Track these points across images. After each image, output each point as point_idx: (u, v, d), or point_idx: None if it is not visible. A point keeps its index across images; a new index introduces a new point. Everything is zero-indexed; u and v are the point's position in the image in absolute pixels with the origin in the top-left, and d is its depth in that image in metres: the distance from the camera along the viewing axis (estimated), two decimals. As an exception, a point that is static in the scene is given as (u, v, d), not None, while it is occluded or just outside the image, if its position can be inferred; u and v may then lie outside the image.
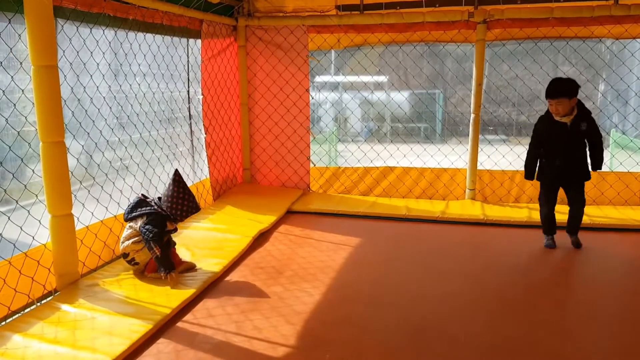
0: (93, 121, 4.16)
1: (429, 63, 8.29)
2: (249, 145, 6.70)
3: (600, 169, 4.60)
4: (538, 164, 4.72)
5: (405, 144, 6.93)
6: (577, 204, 4.69)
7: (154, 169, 4.89)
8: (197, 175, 5.83)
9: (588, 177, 4.63)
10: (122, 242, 3.93)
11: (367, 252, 4.73)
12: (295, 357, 2.98)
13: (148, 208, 3.92)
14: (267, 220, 5.36)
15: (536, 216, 5.50)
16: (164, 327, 3.26)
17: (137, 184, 4.66)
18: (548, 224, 4.81)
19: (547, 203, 4.77)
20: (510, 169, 6.24)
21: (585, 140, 4.52)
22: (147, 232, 3.79)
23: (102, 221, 4.17)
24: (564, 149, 4.52)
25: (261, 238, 5.04)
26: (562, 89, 4.39)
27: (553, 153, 4.59)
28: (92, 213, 4.09)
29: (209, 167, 5.87)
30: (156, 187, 4.86)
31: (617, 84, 7.01)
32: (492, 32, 5.90)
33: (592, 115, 4.49)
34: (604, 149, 4.63)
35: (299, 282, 3.99)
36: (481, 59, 5.91)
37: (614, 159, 7.86)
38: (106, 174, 4.27)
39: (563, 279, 4.13)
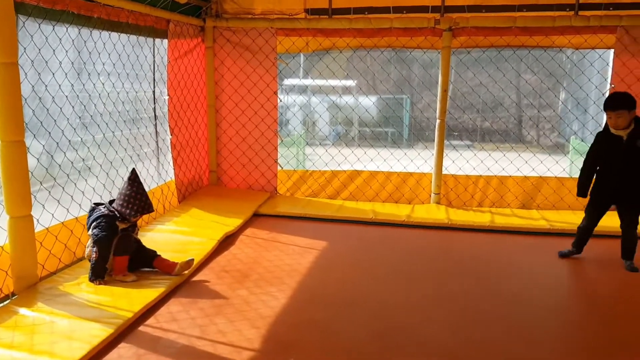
0: (55, 120, 4.06)
1: (396, 68, 8.37)
2: (215, 147, 6.65)
3: None
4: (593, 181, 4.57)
5: (373, 148, 6.99)
6: (628, 226, 4.49)
7: (117, 170, 4.80)
8: (162, 177, 5.75)
9: None
10: (87, 248, 3.94)
11: (333, 256, 4.74)
12: (260, 360, 2.97)
13: (97, 213, 3.92)
14: (233, 223, 5.32)
15: (499, 220, 5.64)
16: (126, 332, 3.20)
17: (99, 185, 4.57)
18: (580, 237, 4.70)
19: (589, 217, 4.63)
20: (474, 174, 6.36)
21: None
22: (93, 236, 3.81)
23: (63, 223, 4.08)
24: (618, 164, 4.38)
25: (227, 241, 4.99)
26: (622, 101, 4.30)
27: (607, 169, 4.46)
28: (53, 215, 3.99)
29: (174, 168, 5.80)
30: (119, 189, 4.78)
31: (577, 92, 7.22)
32: (458, 40, 6.01)
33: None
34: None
35: (264, 286, 3.98)
36: (447, 66, 6.01)
37: (573, 165, 8.09)
38: (67, 175, 4.18)
39: (525, 281, 4.22)
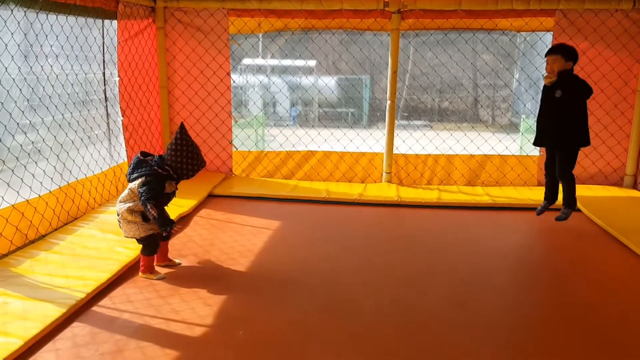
0: (2, 103, 4.02)
1: (347, 50, 8.49)
2: (169, 128, 6.65)
3: (586, 144, 4.65)
4: None
5: (327, 129, 7.11)
6: (558, 173, 4.77)
7: (68, 153, 4.79)
8: (114, 158, 5.73)
9: (569, 146, 4.66)
10: (119, 203, 3.75)
11: (286, 235, 4.87)
12: (210, 335, 3.10)
13: (147, 168, 3.70)
14: (187, 204, 5.37)
15: (445, 197, 5.88)
16: (80, 311, 3.27)
17: (50, 168, 4.56)
18: (545, 186, 4.99)
19: (544, 167, 4.95)
20: (423, 153, 6.58)
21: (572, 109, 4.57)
22: (143, 193, 3.62)
23: (13, 206, 4.07)
24: (546, 111, 4.73)
25: (181, 222, 5.05)
26: (559, 48, 4.56)
27: (542, 115, 4.82)
28: (3, 197, 3.98)
29: (126, 150, 5.78)
30: (70, 171, 4.78)
31: (533, 73, 7.47)
32: (406, 22, 6.16)
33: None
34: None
35: (219, 267, 4.08)
36: (396, 48, 6.16)
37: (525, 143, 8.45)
38: (17, 158, 4.16)
39: (465, 253, 4.46)
